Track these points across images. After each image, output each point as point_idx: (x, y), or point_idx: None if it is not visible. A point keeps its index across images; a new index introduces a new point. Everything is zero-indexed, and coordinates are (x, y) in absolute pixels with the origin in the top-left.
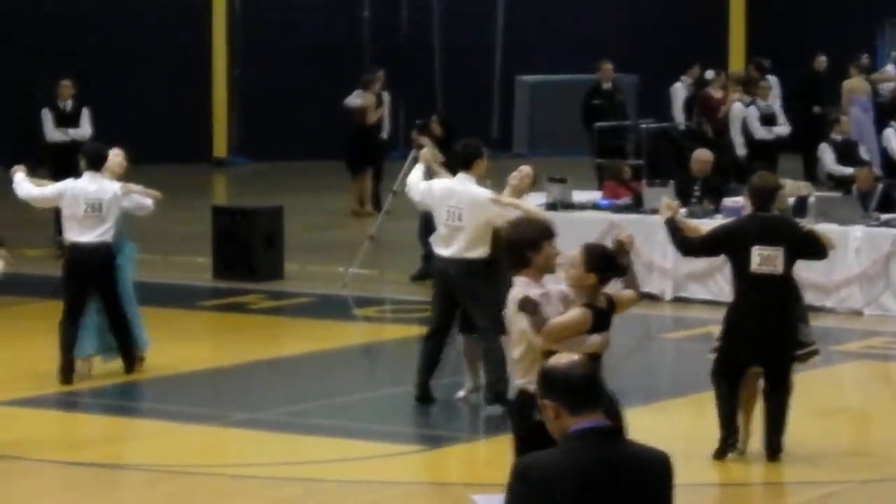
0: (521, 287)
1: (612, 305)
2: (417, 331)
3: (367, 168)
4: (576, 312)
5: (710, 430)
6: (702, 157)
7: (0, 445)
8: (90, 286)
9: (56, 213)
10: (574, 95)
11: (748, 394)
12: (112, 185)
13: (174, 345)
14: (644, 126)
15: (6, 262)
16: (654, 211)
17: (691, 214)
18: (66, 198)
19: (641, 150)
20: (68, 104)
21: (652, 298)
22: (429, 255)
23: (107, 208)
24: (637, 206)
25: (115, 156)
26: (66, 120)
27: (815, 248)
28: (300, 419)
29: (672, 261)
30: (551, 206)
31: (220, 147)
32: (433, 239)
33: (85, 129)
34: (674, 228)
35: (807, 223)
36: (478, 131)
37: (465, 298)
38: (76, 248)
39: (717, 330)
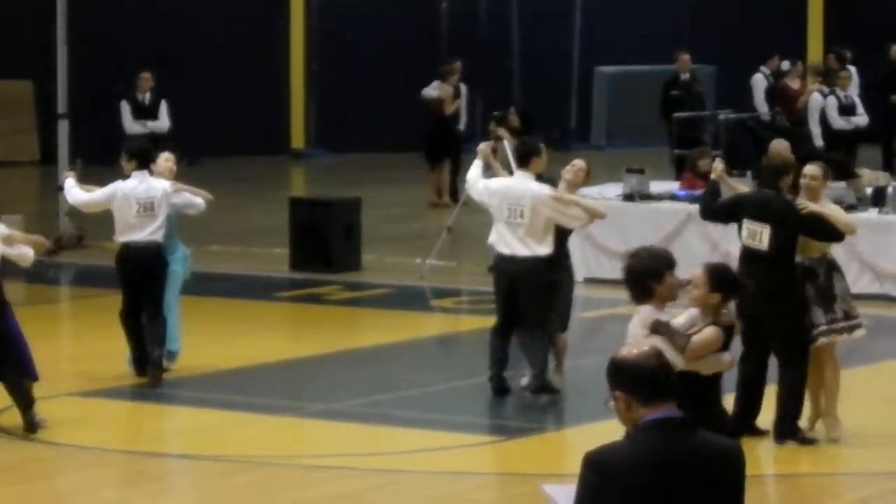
0: (645, 315)
1: (732, 325)
2: (494, 322)
3: (445, 160)
4: (711, 331)
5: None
6: (779, 147)
7: (78, 436)
8: (142, 284)
9: None
10: (652, 86)
11: (813, 374)
12: (161, 182)
13: (252, 336)
14: (722, 117)
15: (37, 247)
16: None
17: None
18: (118, 199)
19: (719, 141)
20: (147, 97)
21: None
22: None
23: (158, 206)
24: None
25: (166, 160)
26: (145, 112)
27: (819, 230)
28: (376, 410)
29: None
30: (628, 197)
31: (297, 139)
32: (493, 238)
33: (163, 121)
34: (710, 191)
35: (885, 213)
36: (556, 123)
37: (525, 295)
38: (128, 248)
39: None
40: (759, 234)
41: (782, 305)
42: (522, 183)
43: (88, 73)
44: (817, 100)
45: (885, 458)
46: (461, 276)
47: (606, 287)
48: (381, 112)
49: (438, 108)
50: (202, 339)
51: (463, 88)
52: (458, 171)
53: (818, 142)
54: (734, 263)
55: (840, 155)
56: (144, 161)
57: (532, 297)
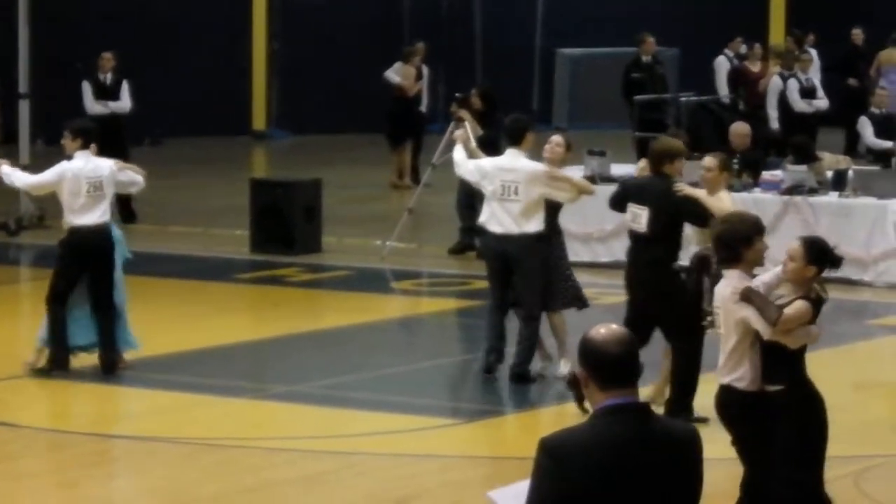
0: (734, 280)
1: (821, 299)
2: (455, 304)
3: (407, 141)
4: (803, 304)
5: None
6: (740, 130)
7: (38, 418)
8: (89, 271)
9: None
10: (614, 69)
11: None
12: (105, 161)
13: (212, 318)
14: (684, 99)
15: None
16: (693, 184)
17: (729, 187)
18: (67, 180)
19: (681, 123)
20: (108, 77)
21: None
22: (468, 229)
23: (106, 185)
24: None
25: None
26: (106, 93)
27: (692, 214)
28: (338, 392)
29: None
30: (590, 180)
31: (259, 120)
32: (484, 217)
33: (125, 101)
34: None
35: (846, 196)
36: (518, 105)
37: (519, 273)
38: (79, 231)
39: None
40: (639, 217)
41: (658, 287)
42: (515, 160)
43: (49, 52)
44: (776, 83)
45: (851, 443)
46: (422, 258)
47: None
48: (343, 93)
49: (401, 90)
50: (162, 320)
51: (425, 70)
52: (420, 153)
53: (774, 125)
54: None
55: (801, 138)
56: (89, 140)
57: (526, 276)
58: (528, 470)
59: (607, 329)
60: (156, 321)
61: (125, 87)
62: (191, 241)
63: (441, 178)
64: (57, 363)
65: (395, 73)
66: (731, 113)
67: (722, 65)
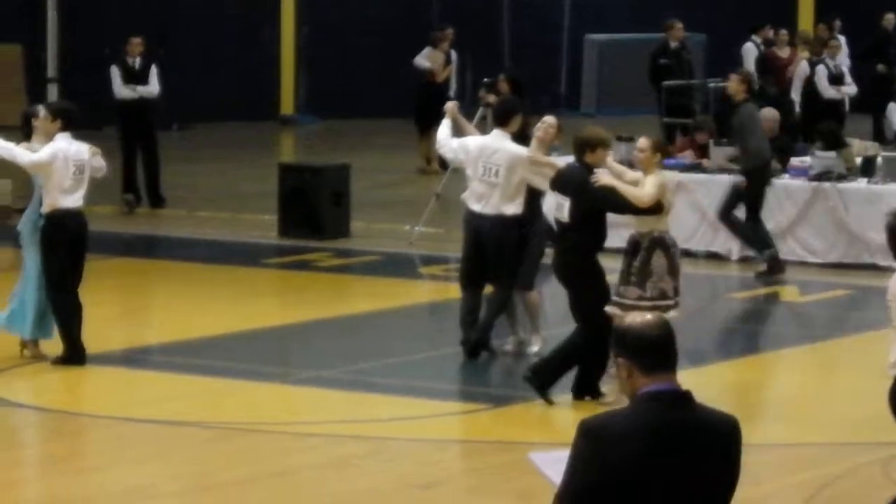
0: None
1: None
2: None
3: (435, 126)
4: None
5: (777, 388)
6: (769, 116)
7: (64, 402)
8: (74, 254)
9: (126, 169)
10: (642, 54)
11: None
12: (82, 145)
13: (240, 302)
14: (712, 85)
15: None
16: (721, 170)
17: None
18: (59, 160)
19: (709, 110)
20: (137, 61)
21: (719, 258)
22: None
23: (86, 169)
24: (703, 165)
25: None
26: (135, 77)
27: (609, 203)
28: (364, 377)
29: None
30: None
31: (287, 105)
32: (466, 195)
33: (153, 86)
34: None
35: (875, 183)
36: (546, 90)
37: (494, 253)
38: (64, 214)
39: (784, 290)
40: (562, 207)
41: (573, 274)
42: (499, 142)
43: (78, 37)
44: (804, 68)
45: (879, 430)
46: (450, 243)
47: None
48: (371, 78)
49: (430, 75)
50: (190, 305)
51: (453, 55)
52: None
53: (798, 109)
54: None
55: (829, 125)
56: (69, 122)
57: (500, 256)
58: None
59: (643, 316)
60: (183, 306)
61: (154, 72)
62: (219, 225)
63: None
64: (72, 357)
65: (424, 59)
66: (759, 99)
67: (750, 51)
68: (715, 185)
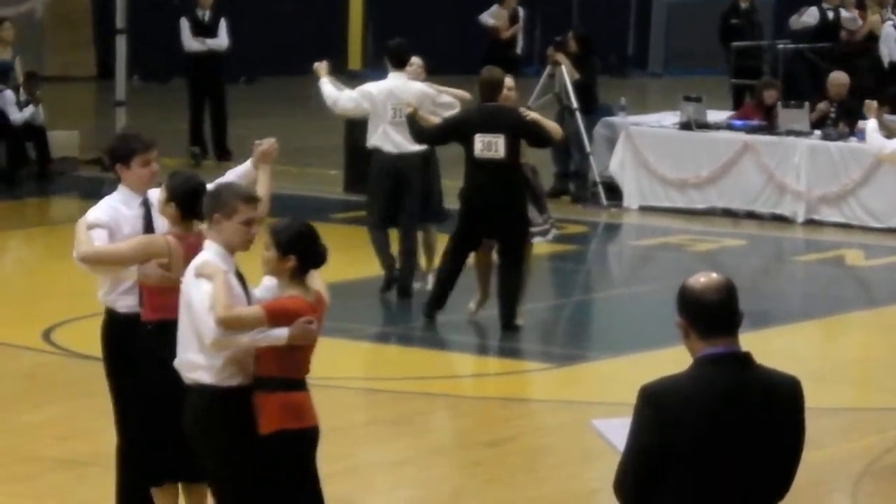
0: None
1: None
2: (549, 249)
3: None
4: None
5: (841, 352)
6: (838, 79)
7: None
8: None
9: (194, 122)
10: (711, 14)
11: (483, 264)
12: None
13: None
14: (781, 47)
15: None
16: (790, 132)
17: (826, 136)
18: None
19: (777, 71)
20: (207, 14)
21: (784, 220)
22: (563, 174)
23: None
24: (771, 127)
25: None
26: (204, 30)
27: (539, 136)
28: (430, 334)
29: (805, 183)
30: (685, 126)
31: (354, 60)
32: (377, 140)
33: (222, 39)
34: (412, 120)
35: None
36: (614, 49)
37: (408, 190)
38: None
39: (848, 253)
40: (495, 144)
41: (518, 208)
42: (402, 83)
43: None
44: (889, 32)
45: None
46: None
47: (660, 215)
48: (439, 35)
49: (496, 33)
50: (255, 260)
51: (521, 12)
52: None
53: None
54: (787, 193)
55: None
56: None
57: (415, 193)
58: (617, 415)
59: (707, 277)
60: (249, 261)
61: (223, 25)
62: (285, 179)
63: None
64: None
65: (491, 16)
66: (828, 61)
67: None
68: (784, 147)
